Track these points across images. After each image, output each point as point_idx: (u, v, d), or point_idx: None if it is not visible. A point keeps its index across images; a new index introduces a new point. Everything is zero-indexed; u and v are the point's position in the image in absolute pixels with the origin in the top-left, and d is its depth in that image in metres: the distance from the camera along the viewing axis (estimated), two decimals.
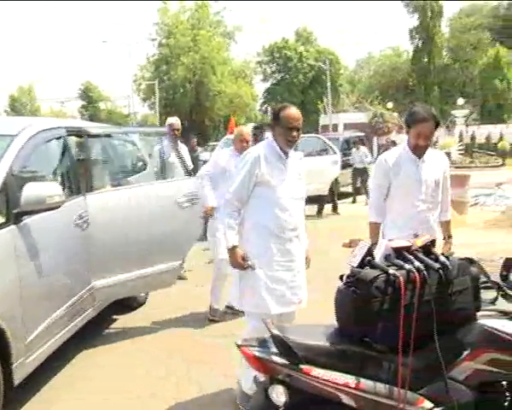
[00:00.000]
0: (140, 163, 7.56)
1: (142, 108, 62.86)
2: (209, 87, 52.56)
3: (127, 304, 6.61)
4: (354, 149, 17.92)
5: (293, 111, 4.02)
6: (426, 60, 54.83)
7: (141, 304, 6.85)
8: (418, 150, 4.20)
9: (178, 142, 8.38)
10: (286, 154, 4.07)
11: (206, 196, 6.53)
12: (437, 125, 4.18)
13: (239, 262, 3.95)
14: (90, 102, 65.04)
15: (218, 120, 54.85)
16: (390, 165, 4.26)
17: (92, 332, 5.82)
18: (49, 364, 4.73)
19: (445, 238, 4.43)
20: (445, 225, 4.48)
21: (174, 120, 8.53)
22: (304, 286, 4.10)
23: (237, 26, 59.53)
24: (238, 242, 3.99)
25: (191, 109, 53.81)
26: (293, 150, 4.21)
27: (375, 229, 4.28)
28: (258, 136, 7.89)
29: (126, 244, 5.60)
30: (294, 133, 3.98)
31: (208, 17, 56.72)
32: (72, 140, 5.33)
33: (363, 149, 17.97)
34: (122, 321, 6.50)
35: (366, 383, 2.60)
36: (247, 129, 6.41)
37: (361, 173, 17.43)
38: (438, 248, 4.01)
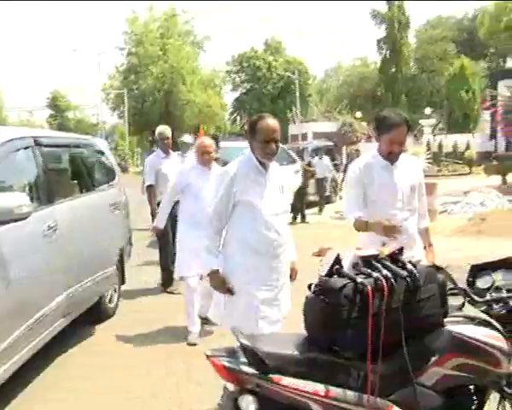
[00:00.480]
0: (109, 172, 7.50)
1: (111, 117, 62.43)
2: (178, 97, 52.42)
3: (97, 318, 6.55)
4: (317, 159, 17.78)
5: (270, 122, 3.76)
6: (393, 70, 55.65)
7: (110, 316, 6.79)
8: (393, 157, 4.02)
9: (170, 151, 8.22)
10: (265, 167, 3.84)
11: (159, 215, 6.43)
12: (408, 128, 4.01)
13: (220, 286, 3.80)
14: (58, 111, 64.43)
15: (188, 129, 54.80)
16: (362, 174, 4.08)
17: (87, 332, 6.03)
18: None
19: (425, 247, 4.21)
20: (424, 233, 4.26)
21: (163, 129, 8.23)
22: (287, 300, 3.93)
23: (206, 35, 59.57)
24: (220, 264, 3.81)
25: (160, 119, 53.35)
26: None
27: (362, 224, 3.95)
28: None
29: (89, 251, 5.85)
30: (273, 146, 3.73)
31: (177, 26, 56.62)
32: (41, 150, 5.27)
33: (326, 158, 18.04)
34: (121, 324, 6.56)
35: (336, 390, 2.60)
36: (209, 140, 6.16)
37: (322, 183, 17.45)
38: (424, 258, 4.04)
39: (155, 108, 53.08)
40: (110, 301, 6.90)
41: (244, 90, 65.58)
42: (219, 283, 3.79)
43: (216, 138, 8.83)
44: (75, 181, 6.37)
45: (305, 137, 39.13)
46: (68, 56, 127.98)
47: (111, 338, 6.08)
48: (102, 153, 7.47)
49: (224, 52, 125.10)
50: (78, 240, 5.59)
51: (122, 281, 7.36)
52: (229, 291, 3.77)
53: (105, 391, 4.70)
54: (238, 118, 67.27)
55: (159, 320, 6.52)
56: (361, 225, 3.98)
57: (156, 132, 8.22)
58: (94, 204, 6.40)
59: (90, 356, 5.55)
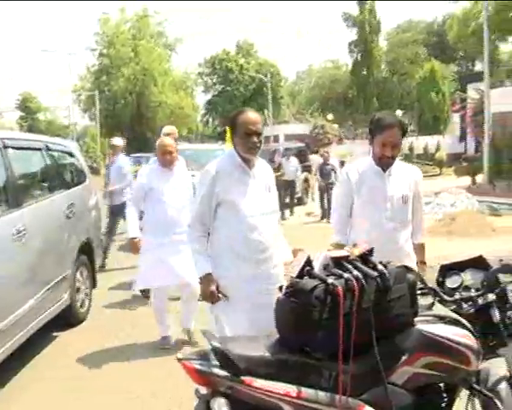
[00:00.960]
0: (80, 175, 7.41)
1: (83, 119, 61.83)
2: (150, 98, 52.16)
3: (68, 322, 6.51)
4: (284, 160, 17.51)
5: (251, 114, 3.61)
6: (365, 72, 56.14)
7: (81, 320, 6.75)
8: (384, 162, 3.81)
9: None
10: (250, 165, 3.66)
11: (128, 226, 5.96)
12: (403, 133, 3.79)
13: (211, 292, 3.55)
14: (28, 112, 63.60)
15: (159, 131, 54.52)
16: (352, 179, 3.90)
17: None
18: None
19: (417, 263, 3.89)
20: (418, 248, 3.99)
21: (170, 130, 7.47)
22: None
23: (178, 37, 59.37)
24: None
25: (132, 121, 53.25)
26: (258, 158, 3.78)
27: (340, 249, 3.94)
28: None
29: (56, 253, 5.91)
30: (255, 139, 3.55)
31: (149, 28, 56.33)
32: (9, 152, 5.20)
33: (294, 160, 17.97)
34: (93, 327, 6.59)
35: (307, 391, 2.61)
36: (169, 140, 5.86)
37: (289, 185, 17.30)
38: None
39: (127, 110, 52.73)
40: (82, 305, 6.82)
41: (216, 92, 65.49)
42: (211, 287, 3.55)
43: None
44: (44, 184, 6.30)
45: (276, 138, 39.34)
46: (38, 57, 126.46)
47: (83, 341, 6.06)
48: (73, 155, 7.39)
49: (198, 54, 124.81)
50: (47, 243, 5.59)
51: (93, 285, 7.30)
52: (217, 298, 3.56)
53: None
54: (210, 120, 67.16)
55: (132, 324, 6.51)
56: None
57: (162, 132, 7.41)
58: (63, 206, 6.37)
59: (63, 358, 5.58)
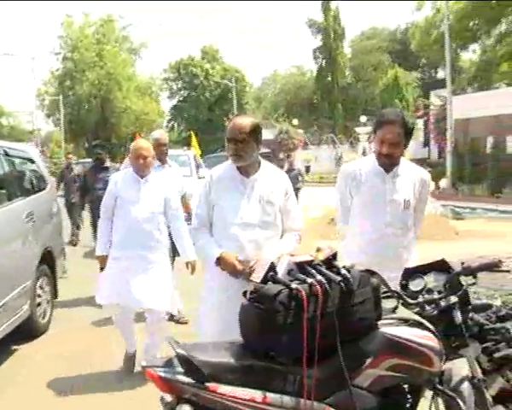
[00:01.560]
0: (40, 181, 7.22)
1: (47, 124, 61.00)
2: (115, 103, 51.82)
3: (28, 334, 6.29)
4: None
5: (237, 120, 3.57)
6: (329, 79, 56.62)
7: (42, 332, 6.53)
8: (383, 161, 3.65)
9: (168, 160, 6.90)
10: (247, 172, 3.58)
11: (98, 241, 5.40)
12: (407, 132, 3.60)
13: (234, 265, 3.42)
14: None
15: (125, 137, 54.16)
16: (351, 177, 3.81)
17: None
18: None
19: None
20: None
21: (160, 134, 7.01)
22: None
23: (143, 42, 59.06)
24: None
25: (97, 126, 52.79)
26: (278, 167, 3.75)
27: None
28: (100, 154, 8.23)
29: (17, 261, 5.79)
30: (233, 146, 3.49)
31: (114, 32, 55.94)
32: None
33: None
34: (54, 340, 6.40)
35: (273, 396, 2.60)
36: (146, 142, 5.38)
37: None
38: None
39: (91, 115, 52.29)
40: (42, 316, 6.58)
41: (181, 98, 65.32)
42: (232, 260, 3.42)
43: (102, 146, 8.81)
44: (2, 191, 6.11)
45: None
46: (0, 61, 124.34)
47: (44, 354, 5.89)
48: (33, 161, 7.21)
49: (163, 59, 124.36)
50: (5, 253, 5.48)
51: (55, 295, 7.06)
52: (241, 268, 3.41)
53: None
54: (176, 125, 66.91)
55: (96, 335, 6.30)
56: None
57: (150, 137, 6.93)
58: (22, 214, 6.20)
59: (23, 372, 5.43)
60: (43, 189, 7.18)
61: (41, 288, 6.59)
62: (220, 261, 3.49)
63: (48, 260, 6.85)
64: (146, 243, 5.04)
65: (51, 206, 7.33)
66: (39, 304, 6.50)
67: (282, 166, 16.27)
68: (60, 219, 7.65)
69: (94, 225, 8.11)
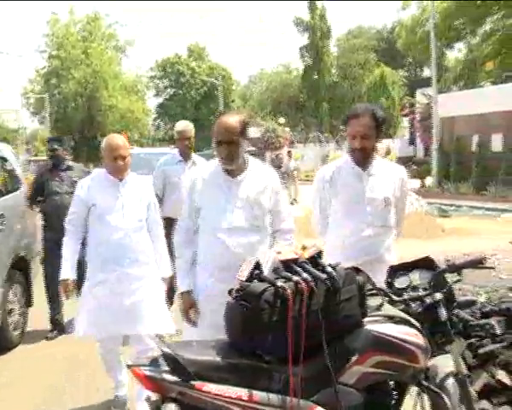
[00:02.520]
0: (13, 182, 6.83)
1: (32, 122, 60.55)
2: (101, 102, 51.46)
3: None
4: None
5: (223, 120, 3.36)
6: (316, 77, 56.58)
7: (14, 345, 6.18)
8: (357, 156, 3.58)
9: (194, 156, 6.15)
10: (232, 173, 3.41)
11: (64, 264, 4.42)
12: (378, 125, 3.53)
13: (185, 311, 3.45)
14: None
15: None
16: (327, 181, 3.74)
17: None
18: None
19: None
20: None
21: (184, 126, 6.27)
22: None
23: (129, 40, 58.75)
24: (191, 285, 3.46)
25: (83, 124, 52.43)
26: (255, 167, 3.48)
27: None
28: (56, 150, 6.63)
29: None
30: (224, 148, 3.32)
31: (100, 30, 55.61)
32: None
33: None
34: (26, 354, 6.11)
35: (259, 394, 2.61)
36: (121, 138, 4.46)
37: None
38: None
39: (77, 114, 51.91)
40: (15, 328, 6.23)
41: (167, 96, 65.11)
42: (186, 306, 3.45)
43: (58, 141, 6.96)
44: None
45: None
46: None
47: (16, 369, 5.58)
48: (5, 160, 6.81)
49: (149, 57, 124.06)
50: None
51: (29, 303, 6.61)
52: (191, 320, 3.45)
53: None
54: (162, 124, 66.68)
55: (75, 350, 5.75)
56: None
57: (175, 129, 6.30)
58: None
59: None
60: (17, 189, 6.79)
61: (13, 297, 6.23)
62: (181, 295, 3.53)
63: (21, 267, 6.44)
64: (133, 257, 4.27)
65: (25, 208, 6.85)
66: (10, 312, 6.13)
67: (278, 167, 16.09)
68: (34, 221, 7.06)
69: (48, 247, 6.57)
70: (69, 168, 6.78)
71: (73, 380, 5.18)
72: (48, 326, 6.54)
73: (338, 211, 3.73)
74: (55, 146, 6.74)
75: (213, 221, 3.39)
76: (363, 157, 3.62)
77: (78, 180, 6.16)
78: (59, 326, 6.50)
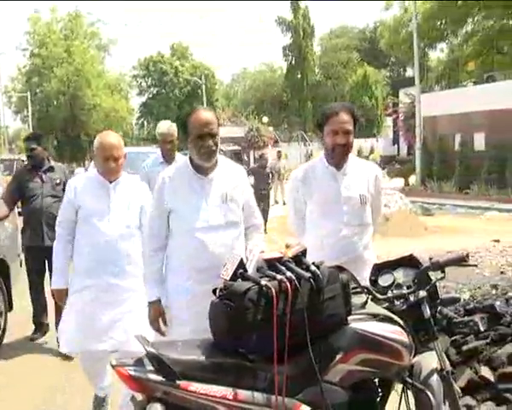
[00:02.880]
0: None
1: (14, 121, 60.11)
2: (84, 100, 51.22)
3: None
4: None
5: (203, 113, 3.26)
6: (299, 76, 56.78)
7: None
8: (339, 152, 3.53)
9: (178, 156, 5.77)
10: (205, 172, 3.31)
11: (54, 271, 4.17)
12: (355, 120, 3.54)
13: (154, 321, 3.35)
14: None
15: (94, 134, 53.51)
16: (302, 183, 3.69)
17: None
18: None
19: None
20: None
21: (166, 128, 5.88)
22: None
23: (112, 39, 58.49)
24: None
25: (66, 123, 52.13)
26: (226, 162, 3.42)
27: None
28: (34, 150, 6.10)
29: None
30: (209, 142, 3.20)
31: (82, 28, 55.30)
32: None
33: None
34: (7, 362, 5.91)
35: (244, 393, 2.60)
36: (115, 136, 4.18)
37: None
38: None
39: (60, 113, 51.63)
40: None
41: (151, 95, 64.90)
42: (155, 315, 3.34)
43: (37, 138, 6.39)
44: None
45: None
46: None
47: (14, 369, 5.50)
48: None
49: (132, 56, 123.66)
50: None
51: (9, 308, 6.36)
52: (160, 330, 3.35)
53: None
54: (145, 123, 66.45)
55: (59, 360, 5.60)
56: None
57: (157, 131, 5.99)
58: None
59: None
60: None
61: None
62: (149, 306, 3.40)
63: (1, 270, 6.20)
64: (120, 266, 3.97)
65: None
66: None
67: (263, 166, 15.79)
68: (15, 222, 6.75)
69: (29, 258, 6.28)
70: (51, 169, 6.24)
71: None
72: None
73: (314, 211, 3.68)
74: (33, 145, 6.17)
75: (188, 222, 3.26)
76: (344, 153, 3.59)
77: (60, 181, 6.10)
78: (42, 327, 6.40)
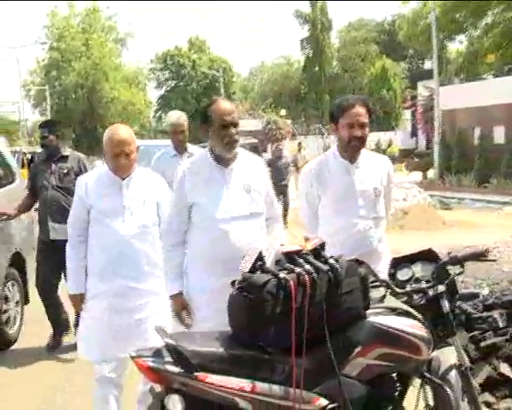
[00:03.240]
0: (7, 175, 6.56)
1: (33, 114, 60.57)
2: (102, 94, 51.57)
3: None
4: None
5: (225, 103, 3.27)
6: (317, 69, 56.55)
7: (9, 343, 6.03)
8: (355, 145, 3.51)
9: (190, 147, 5.59)
10: (225, 162, 3.30)
11: (70, 276, 3.91)
12: (370, 113, 3.54)
13: (178, 313, 3.37)
14: None
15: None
16: (315, 177, 3.65)
17: None
18: None
19: None
20: None
21: (176, 118, 5.65)
22: None
23: (129, 32, 58.70)
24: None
25: (84, 116, 52.50)
26: (242, 153, 3.39)
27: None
28: (46, 138, 5.80)
29: None
30: (232, 130, 3.20)
31: (100, 22, 55.59)
32: None
33: None
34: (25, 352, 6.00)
35: (261, 385, 2.60)
36: (129, 131, 3.76)
37: None
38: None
39: (78, 106, 52.06)
40: (10, 326, 6.04)
41: (168, 88, 65.09)
42: (179, 308, 3.36)
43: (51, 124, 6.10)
44: None
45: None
46: None
47: (12, 369, 5.48)
48: None
49: (150, 50, 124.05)
50: None
51: (25, 301, 6.38)
52: (186, 320, 3.35)
53: None
54: (163, 116, 66.69)
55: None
56: None
57: (167, 121, 5.78)
58: None
59: None
60: (12, 182, 6.58)
61: (9, 294, 6.05)
62: (172, 299, 3.41)
63: (17, 264, 6.21)
64: (137, 269, 3.69)
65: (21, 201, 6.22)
66: (6, 311, 5.96)
67: (279, 157, 15.58)
68: (30, 215, 6.57)
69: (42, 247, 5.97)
70: (62, 158, 5.87)
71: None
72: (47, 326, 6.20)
73: (327, 206, 3.65)
74: (45, 133, 5.85)
75: (210, 213, 3.26)
76: (360, 146, 3.56)
77: (69, 171, 5.72)
78: (61, 328, 6.02)
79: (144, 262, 3.69)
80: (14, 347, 6.08)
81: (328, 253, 2.82)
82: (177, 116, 5.68)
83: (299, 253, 2.74)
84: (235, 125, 3.24)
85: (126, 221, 3.67)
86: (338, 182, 3.62)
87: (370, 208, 3.62)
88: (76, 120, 52.07)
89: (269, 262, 2.71)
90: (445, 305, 3.10)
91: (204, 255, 3.31)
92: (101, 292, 3.69)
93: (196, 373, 2.54)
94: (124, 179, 3.72)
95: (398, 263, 3.31)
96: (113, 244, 3.64)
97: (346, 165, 3.62)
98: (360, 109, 3.50)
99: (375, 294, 3.00)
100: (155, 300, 3.70)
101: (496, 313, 4.71)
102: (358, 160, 3.62)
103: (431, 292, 3.12)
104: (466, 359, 3.19)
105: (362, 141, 3.53)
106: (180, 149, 5.57)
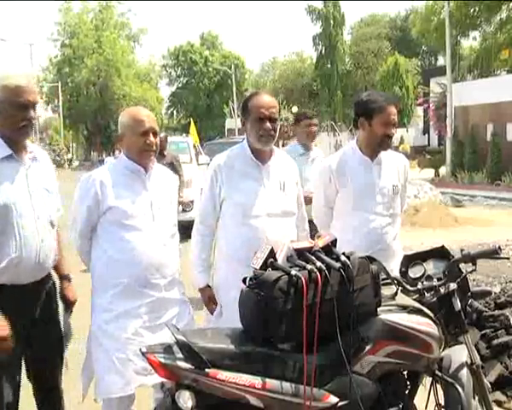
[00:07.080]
0: None
1: (45, 111, 60.87)
2: (114, 90, 51.73)
3: None
4: None
5: (265, 97, 3.25)
6: (329, 65, 56.31)
7: None
8: (383, 146, 3.58)
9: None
10: (262, 158, 3.29)
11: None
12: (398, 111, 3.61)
13: (208, 304, 3.43)
14: None
15: None
16: (335, 170, 3.65)
17: None
18: None
19: None
20: None
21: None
22: None
23: (142, 28, 58.81)
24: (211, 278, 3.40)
25: (96, 113, 52.71)
26: (280, 149, 3.42)
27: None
28: None
29: None
30: (267, 124, 3.17)
31: (112, 18, 55.74)
32: None
33: None
34: None
35: (272, 382, 2.61)
36: (147, 111, 3.43)
37: None
38: None
39: (90, 102, 52.28)
40: None
41: (180, 85, 65.17)
42: (206, 299, 3.43)
43: None
44: None
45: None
46: None
47: None
48: None
49: (162, 46, 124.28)
50: None
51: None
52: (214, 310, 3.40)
53: None
54: (175, 112, 66.80)
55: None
56: None
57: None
58: None
59: None
60: None
61: None
62: (200, 291, 3.48)
63: None
64: (168, 276, 3.25)
65: None
66: None
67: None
68: None
69: None
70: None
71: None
72: None
73: (346, 201, 3.67)
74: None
75: (244, 208, 3.27)
76: (390, 144, 3.63)
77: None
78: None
79: (170, 269, 3.27)
80: None
81: (344, 247, 2.83)
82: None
83: (310, 250, 2.75)
84: (273, 120, 3.23)
85: (156, 219, 3.22)
86: (358, 178, 3.64)
87: (388, 205, 3.67)
88: (88, 116, 52.33)
89: (280, 259, 2.71)
90: (457, 303, 3.09)
91: (236, 251, 3.31)
92: (127, 311, 3.13)
93: (207, 370, 2.55)
94: (147, 171, 3.23)
95: (410, 260, 3.31)
96: (142, 249, 3.13)
97: (367, 161, 3.66)
98: (394, 109, 3.57)
99: (387, 291, 3.00)
100: (182, 310, 3.35)
101: (508, 312, 4.69)
102: (378, 157, 3.66)
103: (442, 290, 3.12)
104: (477, 357, 3.18)
105: (391, 140, 3.60)
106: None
